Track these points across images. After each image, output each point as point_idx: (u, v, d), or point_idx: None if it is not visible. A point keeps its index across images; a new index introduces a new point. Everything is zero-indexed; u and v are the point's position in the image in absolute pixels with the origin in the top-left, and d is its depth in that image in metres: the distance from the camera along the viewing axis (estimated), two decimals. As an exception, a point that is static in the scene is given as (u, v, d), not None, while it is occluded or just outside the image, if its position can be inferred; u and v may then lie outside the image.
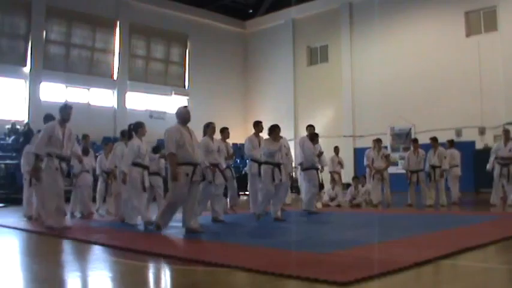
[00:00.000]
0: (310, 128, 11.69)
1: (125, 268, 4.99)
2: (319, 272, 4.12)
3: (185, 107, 7.73)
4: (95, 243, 6.46)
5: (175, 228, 7.56)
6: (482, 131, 19.89)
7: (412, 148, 12.98)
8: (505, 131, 12.50)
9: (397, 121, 21.85)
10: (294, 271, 4.19)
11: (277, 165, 9.09)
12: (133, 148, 8.37)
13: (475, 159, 17.88)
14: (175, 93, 26.13)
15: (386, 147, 16.92)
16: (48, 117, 9.17)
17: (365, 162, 13.62)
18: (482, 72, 19.99)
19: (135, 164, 8.35)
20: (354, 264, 4.64)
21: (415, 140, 13.16)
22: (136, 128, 8.67)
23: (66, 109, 7.89)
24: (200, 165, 7.55)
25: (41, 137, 7.62)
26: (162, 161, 9.54)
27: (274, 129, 9.24)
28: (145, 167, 8.53)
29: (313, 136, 11.05)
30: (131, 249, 5.79)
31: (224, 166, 9.60)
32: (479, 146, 19.54)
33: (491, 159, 12.30)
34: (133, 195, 8.32)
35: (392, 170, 19.32)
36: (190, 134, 7.37)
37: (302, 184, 11.63)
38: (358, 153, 20.88)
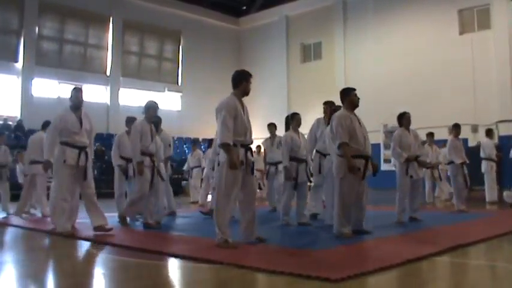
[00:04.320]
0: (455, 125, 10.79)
1: (122, 264, 4.97)
2: (311, 269, 4.12)
3: (354, 89, 6.69)
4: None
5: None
6: (475, 129, 19.93)
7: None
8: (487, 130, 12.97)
9: (390, 118, 21.73)
10: (286, 268, 4.18)
11: (415, 158, 8.18)
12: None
13: (467, 156, 17.92)
14: (168, 90, 26.06)
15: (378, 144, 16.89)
16: (130, 120, 8.72)
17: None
18: (476, 70, 20.05)
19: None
20: (347, 261, 4.66)
21: None
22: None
23: (244, 75, 5.86)
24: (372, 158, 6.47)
25: (223, 121, 5.53)
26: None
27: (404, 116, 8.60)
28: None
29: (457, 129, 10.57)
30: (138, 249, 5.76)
31: None
32: (472, 143, 19.58)
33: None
34: None
35: (384, 167, 19.31)
36: (359, 122, 6.43)
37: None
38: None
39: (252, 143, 5.83)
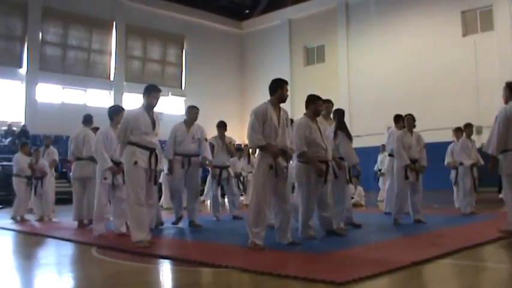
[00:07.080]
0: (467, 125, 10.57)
1: (120, 269, 4.98)
2: (316, 272, 4.12)
3: (319, 98, 6.73)
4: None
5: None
6: (479, 131, 19.88)
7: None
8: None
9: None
10: (292, 271, 4.18)
11: (413, 162, 8.20)
12: None
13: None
14: (172, 94, 26.11)
15: (383, 146, 16.84)
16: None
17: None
18: (479, 72, 20.02)
19: None
20: (352, 264, 4.65)
21: None
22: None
23: (279, 83, 6.02)
24: (332, 162, 6.58)
25: (251, 125, 5.69)
26: None
27: (400, 118, 8.70)
28: None
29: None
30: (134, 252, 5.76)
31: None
32: (476, 145, 19.53)
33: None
34: None
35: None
36: (319, 129, 6.41)
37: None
38: (356, 153, 20.82)
39: (285, 147, 5.79)
